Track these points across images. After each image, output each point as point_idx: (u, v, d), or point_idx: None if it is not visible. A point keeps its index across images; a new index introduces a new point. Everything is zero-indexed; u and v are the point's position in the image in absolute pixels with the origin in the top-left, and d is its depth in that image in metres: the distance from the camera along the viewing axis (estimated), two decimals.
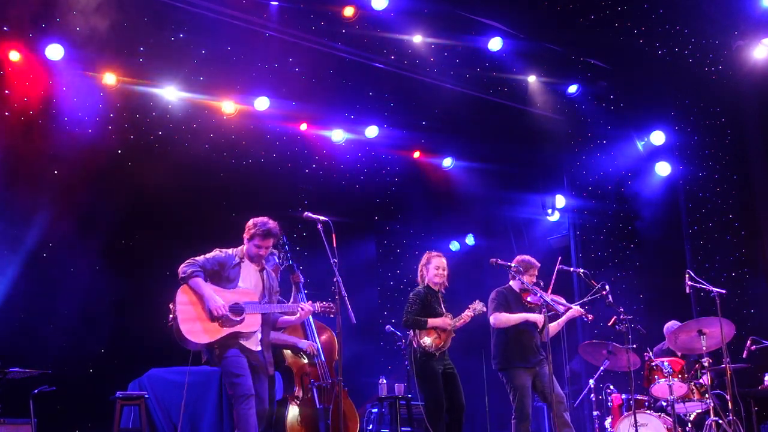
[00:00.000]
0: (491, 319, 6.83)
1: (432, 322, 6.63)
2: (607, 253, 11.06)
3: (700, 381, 7.54)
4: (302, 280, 6.85)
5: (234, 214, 9.49)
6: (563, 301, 6.81)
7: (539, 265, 7.00)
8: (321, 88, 9.93)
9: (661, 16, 9.68)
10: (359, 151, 11.09)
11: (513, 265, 6.89)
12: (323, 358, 6.70)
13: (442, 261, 6.82)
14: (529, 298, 6.86)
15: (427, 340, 6.55)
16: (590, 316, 6.83)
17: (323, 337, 6.82)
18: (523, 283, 6.85)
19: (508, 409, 6.83)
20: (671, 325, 8.42)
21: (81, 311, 8.67)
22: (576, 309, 6.80)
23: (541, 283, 6.91)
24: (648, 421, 7.36)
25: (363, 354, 9.28)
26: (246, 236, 5.94)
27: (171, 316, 5.57)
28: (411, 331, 6.60)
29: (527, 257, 7.02)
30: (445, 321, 6.68)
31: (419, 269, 6.87)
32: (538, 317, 6.76)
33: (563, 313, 6.80)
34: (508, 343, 6.79)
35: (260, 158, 10.24)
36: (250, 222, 6.00)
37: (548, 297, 6.68)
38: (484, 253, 11.12)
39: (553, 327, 6.91)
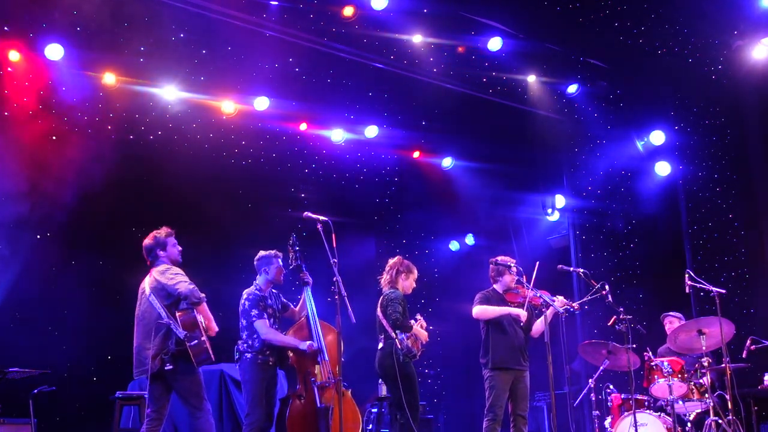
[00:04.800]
0: (473, 312, 6.85)
1: (414, 327, 6.71)
2: (607, 253, 11.06)
3: (700, 381, 7.54)
4: (310, 280, 6.88)
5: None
6: (546, 296, 6.75)
7: (515, 261, 6.99)
8: (321, 88, 9.94)
9: (661, 16, 9.67)
10: (359, 151, 11.10)
11: (512, 265, 6.90)
12: (326, 358, 6.70)
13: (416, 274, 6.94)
14: (522, 306, 6.87)
15: (409, 343, 6.59)
16: (575, 305, 6.74)
17: (329, 338, 6.82)
18: (507, 283, 6.94)
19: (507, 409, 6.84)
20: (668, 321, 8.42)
21: (80, 310, 8.67)
22: (559, 301, 6.71)
23: (523, 279, 6.88)
24: (648, 420, 7.36)
25: (363, 354, 9.28)
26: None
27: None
28: (394, 333, 6.59)
29: (505, 258, 7.02)
30: (421, 329, 6.76)
31: (393, 273, 6.85)
32: (519, 311, 6.77)
33: (545, 308, 6.72)
34: (494, 342, 6.81)
35: (260, 158, 10.26)
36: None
37: (531, 293, 6.70)
38: (484, 253, 11.12)
39: (539, 325, 6.93)
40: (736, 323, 7.60)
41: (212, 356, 5.80)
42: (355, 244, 10.28)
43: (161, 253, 6.08)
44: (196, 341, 5.67)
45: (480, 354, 6.93)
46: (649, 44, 9.94)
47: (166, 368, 5.68)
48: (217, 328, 6.09)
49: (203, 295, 5.82)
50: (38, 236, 8.67)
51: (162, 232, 6.13)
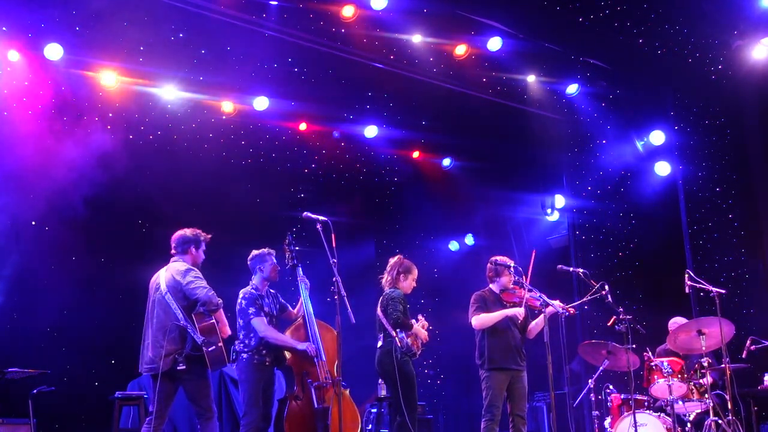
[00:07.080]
0: (472, 322, 6.84)
1: (415, 326, 6.69)
2: (607, 253, 11.05)
3: (700, 381, 7.54)
4: (308, 283, 6.87)
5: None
6: (545, 297, 6.75)
7: (514, 262, 6.99)
8: (320, 87, 9.92)
9: (661, 16, 9.66)
10: (359, 151, 11.09)
11: (512, 265, 6.89)
12: (324, 358, 6.69)
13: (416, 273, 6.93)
14: (519, 306, 6.87)
15: (409, 341, 6.58)
16: (571, 310, 6.74)
17: (326, 338, 6.81)
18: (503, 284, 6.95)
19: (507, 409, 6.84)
20: (673, 323, 8.42)
21: (80, 310, 8.67)
22: (557, 304, 6.71)
23: (521, 280, 6.87)
24: (647, 421, 7.37)
25: (362, 354, 9.29)
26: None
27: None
28: (394, 331, 6.59)
29: (503, 258, 7.02)
30: (421, 329, 6.75)
31: (394, 273, 6.83)
32: (517, 311, 6.77)
33: (544, 308, 6.73)
34: (489, 343, 6.79)
35: (260, 158, 10.26)
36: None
37: (527, 294, 6.70)
38: (483, 253, 11.12)
39: (533, 326, 6.94)
40: (736, 323, 7.60)
41: (227, 360, 5.93)
42: (354, 244, 10.29)
43: (193, 250, 6.17)
44: (213, 347, 5.75)
45: (476, 355, 6.92)
46: (649, 44, 9.92)
47: (178, 368, 5.72)
48: (229, 332, 6.14)
49: (221, 300, 5.88)
50: (38, 236, 8.67)
51: (202, 234, 6.23)
